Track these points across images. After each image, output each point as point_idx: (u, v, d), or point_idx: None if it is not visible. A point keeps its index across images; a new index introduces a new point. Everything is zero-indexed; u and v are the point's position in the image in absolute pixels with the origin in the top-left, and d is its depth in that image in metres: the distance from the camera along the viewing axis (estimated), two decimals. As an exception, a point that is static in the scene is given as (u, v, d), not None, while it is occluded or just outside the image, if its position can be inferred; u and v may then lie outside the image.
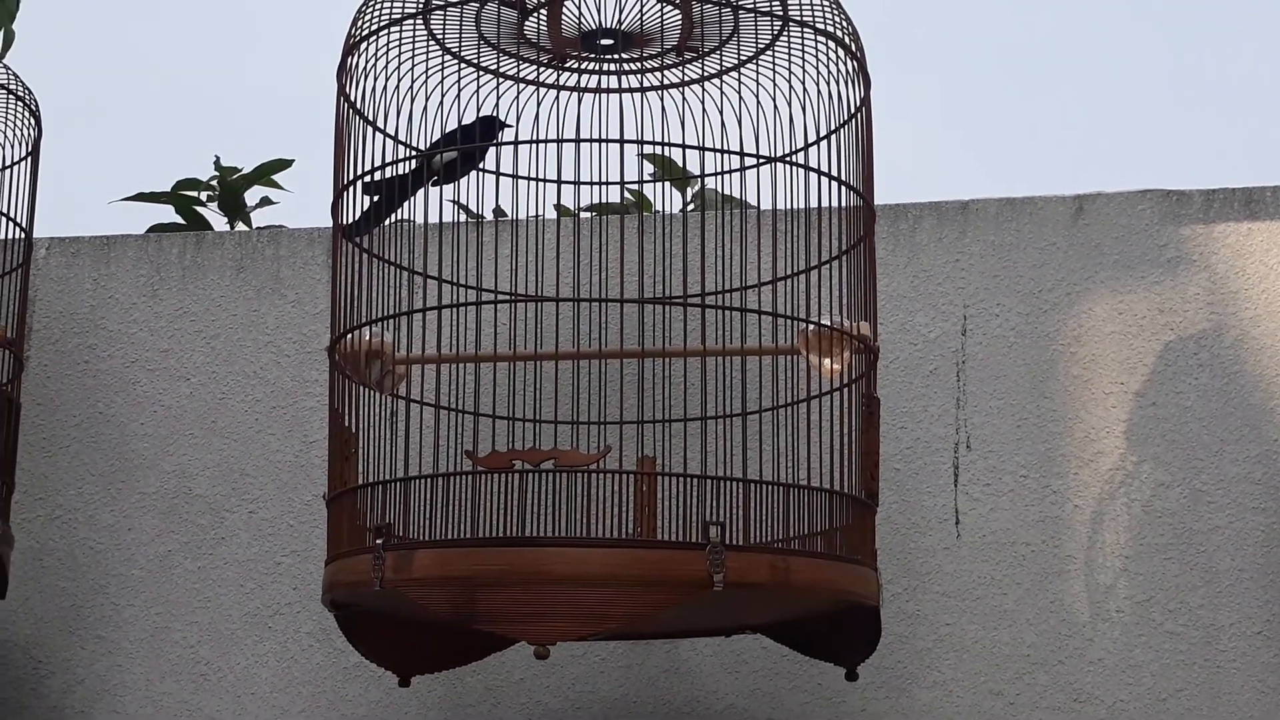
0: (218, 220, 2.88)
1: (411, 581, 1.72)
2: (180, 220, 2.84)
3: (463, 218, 2.32)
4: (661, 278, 2.19)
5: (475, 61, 2.03)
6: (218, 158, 2.87)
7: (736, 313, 2.07)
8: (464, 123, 1.97)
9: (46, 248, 2.48)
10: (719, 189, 2.17)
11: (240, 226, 2.88)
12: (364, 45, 1.95)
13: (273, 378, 2.40)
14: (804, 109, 1.96)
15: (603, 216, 2.36)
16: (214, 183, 2.86)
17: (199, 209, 2.85)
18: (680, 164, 2.16)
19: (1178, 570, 2.19)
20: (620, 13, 1.98)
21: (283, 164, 2.87)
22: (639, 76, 2.09)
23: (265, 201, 2.89)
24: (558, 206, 2.34)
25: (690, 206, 2.62)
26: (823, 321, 1.90)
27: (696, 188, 2.54)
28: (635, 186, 2.52)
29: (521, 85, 2.03)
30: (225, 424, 2.40)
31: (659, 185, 2.43)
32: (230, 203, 2.84)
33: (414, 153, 1.92)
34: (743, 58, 2.04)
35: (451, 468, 1.89)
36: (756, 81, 2.01)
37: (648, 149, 2.09)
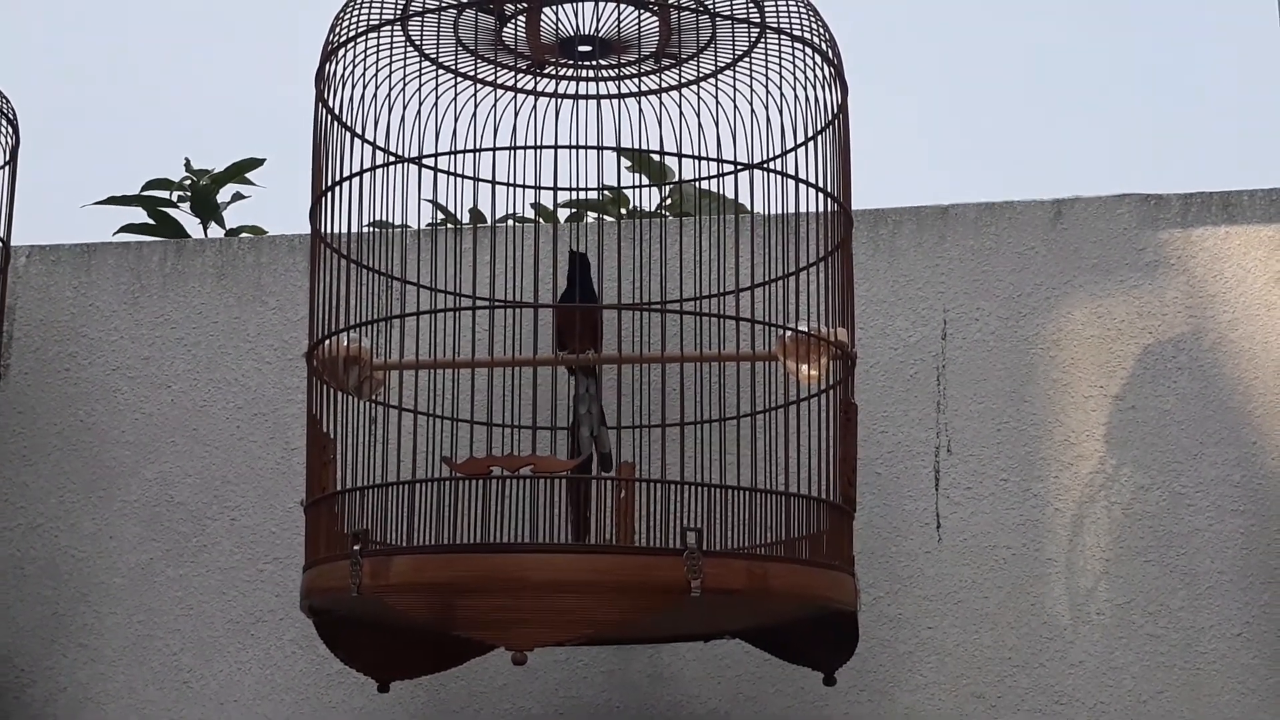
0: (189, 221, 2.89)
1: (389, 588, 1.72)
2: (151, 221, 2.85)
3: (439, 218, 2.32)
4: (640, 283, 2.19)
5: (454, 68, 2.04)
6: (188, 160, 2.88)
7: (715, 318, 2.08)
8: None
9: (27, 255, 2.48)
10: (696, 189, 2.17)
11: (214, 227, 2.88)
12: (342, 51, 1.95)
13: (254, 385, 2.40)
14: (781, 115, 1.96)
15: (581, 221, 2.36)
16: (186, 183, 2.86)
17: (170, 210, 2.85)
18: (656, 162, 2.16)
19: (1158, 573, 2.20)
20: (599, 19, 1.98)
21: (254, 163, 2.88)
22: (617, 83, 2.10)
23: (237, 196, 2.90)
24: (535, 205, 2.34)
25: (667, 202, 2.62)
26: (800, 327, 1.90)
27: (673, 181, 2.54)
28: (612, 183, 2.52)
29: (500, 91, 2.03)
30: (207, 431, 2.40)
31: (634, 179, 2.43)
32: (203, 204, 2.85)
33: (392, 159, 1.92)
34: (720, 64, 2.04)
35: (429, 474, 1.89)
36: (734, 88, 2.02)
37: (623, 145, 2.09)
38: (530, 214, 2.53)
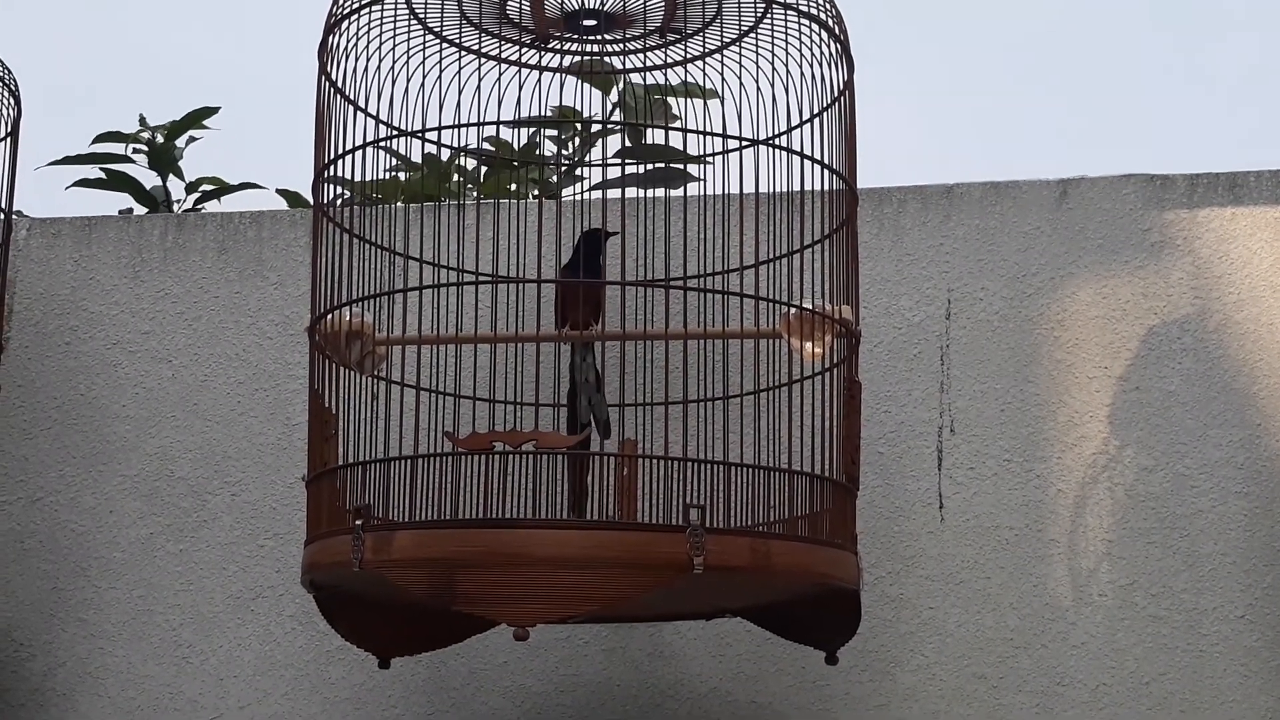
0: (145, 175, 2.89)
1: (391, 563, 1.72)
2: (103, 176, 2.86)
3: (393, 162, 2.31)
4: (644, 260, 2.18)
5: (457, 41, 2.03)
6: (142, 116, 2.88)
7: (719, 295, 2.07)
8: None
9: (27, 229, 2.47)
10: (645, 85, 2.12)
11: (173, 179, 2.90)
12: (345, 24, 1.94)
13: (255, 360, 2.39)
14: (787, 92, 1.95)
15: (563, 174, 2.33)
16: (141, 136, 2.87)
17: (123, 166, 2.86)
18: (602, 69, 2.14)
19: (1161, 554, 2.19)
20: (603, -8, 1.98)
21: (208, 111, 2.89)
22: (622, 58, 2.09)
23: (190, 140, 2.91)
24: (491, 140, 2.32)
25: (614, 106, 2.59)
26: (804, 305, 1.90)
27: (621, 86, 2.50)
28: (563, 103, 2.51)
29: (503, 65, 2.02)
30: (207, 406, 2.39)
31: (583, 89, 2.39)
32: (160, 158, 2.85)
33: (394, 132, 1.91)
34: (726, 40, 2.03)
35: (432, 449, 1.88)
36: (739, 64, 2.01)
37: (571, 62, 2.07)
38: (488, 150, 2.51)
